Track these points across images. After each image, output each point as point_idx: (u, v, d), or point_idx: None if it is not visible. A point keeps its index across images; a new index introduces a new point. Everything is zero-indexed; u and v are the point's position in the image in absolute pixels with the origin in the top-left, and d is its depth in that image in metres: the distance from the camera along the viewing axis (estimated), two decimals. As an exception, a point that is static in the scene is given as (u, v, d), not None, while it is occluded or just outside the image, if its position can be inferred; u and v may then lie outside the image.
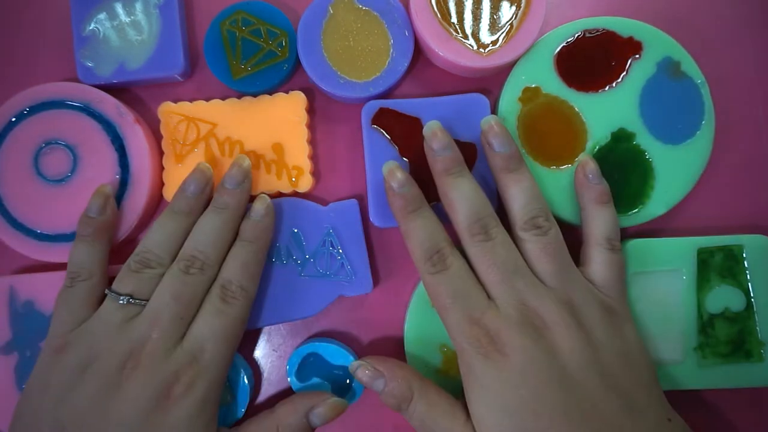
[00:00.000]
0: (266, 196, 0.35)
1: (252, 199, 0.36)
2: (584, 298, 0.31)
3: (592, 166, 0.34)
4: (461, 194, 0.32)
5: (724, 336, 0.36)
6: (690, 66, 0.36)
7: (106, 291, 0.32)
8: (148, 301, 0.32)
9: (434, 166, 0.33)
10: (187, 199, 0.34)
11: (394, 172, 0.33)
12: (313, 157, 0.38)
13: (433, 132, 0.33)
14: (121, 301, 0.32)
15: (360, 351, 0.38)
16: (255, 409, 0.36)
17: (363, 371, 0.33)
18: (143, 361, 0.30)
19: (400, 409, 0.32)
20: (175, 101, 0.37)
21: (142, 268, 0.32)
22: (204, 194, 0.35)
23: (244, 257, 0.33)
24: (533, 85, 0.36)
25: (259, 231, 0.34)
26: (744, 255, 0.36)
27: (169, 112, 0.37)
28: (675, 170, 0.36)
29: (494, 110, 0.37)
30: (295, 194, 0.37)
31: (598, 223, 0.34)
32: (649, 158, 0.36)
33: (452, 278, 0.31)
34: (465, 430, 0.30)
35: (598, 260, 0.33)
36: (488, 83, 0.38)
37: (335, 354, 0.36)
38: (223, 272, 0.33)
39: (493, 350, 0.30)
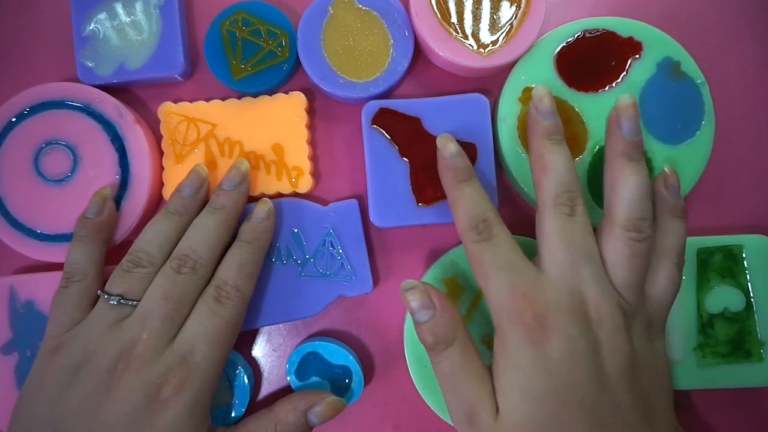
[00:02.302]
0: (268, 199, 0.35)
1: (249, 200, 0.36)
2: (637, 309, 0.31)
3: (673, 181, 0.33)
4: (557, 160, 0.31)
5: (723, 336, 0.36)
6: (690, 66, 0.36)
7: (99, 292, 0.32)
8: (139, 301, 0.32)
9: (535, 127, 0.33)
10: (183, 200, 0.34)
11: (447, 144, 0.33)
12: (313, 158, 0.38)
13: (540, 96, 0.33)
14: (113, 302, 0.32)
15: (360, 351, 0.38)
16: (255, 408, 0.36)
17: (414, 295, 0.31)
18: (133, 363, 0.30)
19: (434, 350, 0.30)
20: (175, 101, 0.37)
21: (134, 267, 0.32)
22: (199, 195, 0.35)
23: (242, 258, 0.33)
24: (533, 85, 0.36)
25: (258, 233, 0.34)
26: (744, 255, 0.36)
27: (169, 112, 0.37)
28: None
29: (494, 110, 0.37)
30: (295, 195, 0.37)
31: (671, 236, 0.32)
32: (649, 158, 0.36)
33: (498, 248, 0.30)
34: (490, 400, 0.29)
35: (663, 275, 0.32)
36: (488, 83, 0.38)
37: (335, 353, 0.36)
38: (219, 272, 0.33)
39: (535, 330, 0.28)
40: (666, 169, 0.33)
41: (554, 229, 0.30)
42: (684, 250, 0.33)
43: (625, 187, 0.31)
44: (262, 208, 0.34)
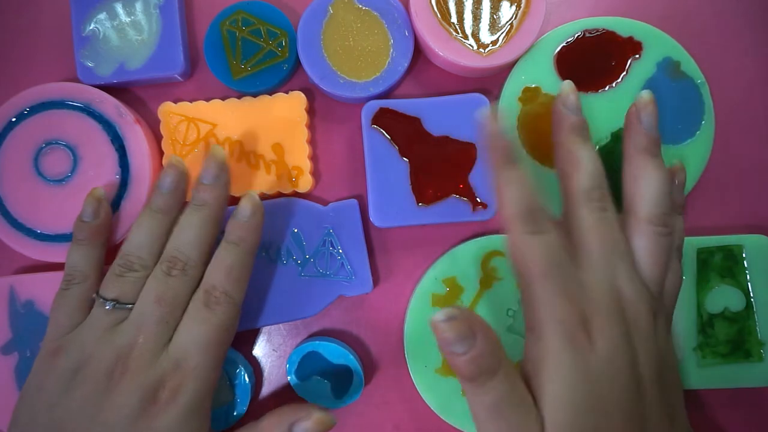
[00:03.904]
0: (254, 192, 0.34)
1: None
2: (660, 306, 0.30)
3: (681, 179, 0.33)
4: (588, 156, 0.31)
5: (723, 336, 0.36)
6: (690, 66, 0.36)
7: (94, 296, 0.32)
8: (134, 304, 0.32)
9: (563, 123, 0.32)
10: (163, 196, 0.33)
11: (490, 122, 0.30)
12: (313, 157, 0.38)
13: (567, 93, 0.32)
14: (108, 307, 0.32)
15: (360, 350, 0.38)
16: (255, 408, 0.37)
17: (451, 326, 0.26)
18: (131, 367, 0.30)
19: (476, 381, 0.27)
20: (175, 101, 0.37)
21: (126, 271, 0.32)
22: (180, 189, 0.34)
23: (229, 261, 0.32)
24: (533, 85, 0.36)
25: (244, 232, 0.33)
26: (744, 255, 0.36)
27: (169, 112, 0.37)
28: (675, 170, 0.36)
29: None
30: (295, 194, 0.37)
31: (645, 185, 0.31)
32: (649, 158, 0.36)
33: (552, 244, 0.28)
34: (537, 418, 0.27)
35: (671, 269, 0.31)
36: (488, 83, 0.38)
37: (335, 353, 0.36)
38: (207, 276, 0.32)
39: (581, 335, 0.27)
40: (677, 164, 0.34)
41: (591, 226, 0.29)
42: (683, 245, 0.33)
43: (649, 183, 0.31)
44: (247, 204, 0.33)
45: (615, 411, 0.27)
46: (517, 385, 0.27)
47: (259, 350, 0.38)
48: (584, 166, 0.30)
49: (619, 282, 0.29)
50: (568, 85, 0.33)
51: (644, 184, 0.31)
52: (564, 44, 0.36)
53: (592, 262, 0.29)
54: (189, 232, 0.32)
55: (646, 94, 0.32)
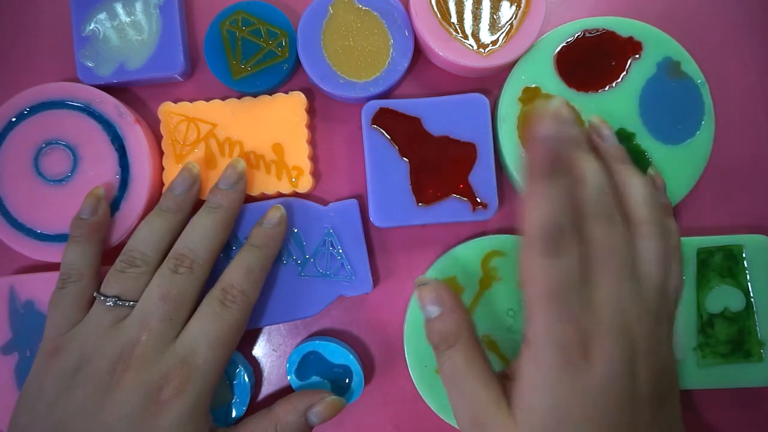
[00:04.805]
0: (281, 206, 0.35)
1: (249, 199, 0.36)
2: (667, 315, 0.30)
3: (660, 182, 0.33)
4: (593, 168, 0.29)
5: (723, 336, 0.36)
6: (690, 66, 0.36)
7: (95, 293, 0.32)
8: (136, 301, 0.32)
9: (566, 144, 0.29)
10: (175, 198, 0.34)
11: (552, 117, 0.28)
12: (313, 158, 0.38)
13: (594, 124, 0.34)
14: (109, 303, 0.32)
15: (360, 351, 0.38)
16: (255, 409, 0.36)
17: (424, 291, 0.31)
18: (133, 363, 0.30)
19: (437, 349, 0.30)
20: (175, 101, 0.37)
21: (128, 267, 0.32)
22: (192, 193, 0.35)
23: (250, 262, 0.33)
24: (533, 85, 0.36)
25: (268, 238, 0.34)
26: (744, 255, 0.36)
27: (169, 112, 0.37)
28: (675, 170, 0.36)
29: (494, 110, 0.37)
30: (295, 194, 0.37)
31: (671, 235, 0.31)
32: (649, 158, 0.36)
33: (568, 269, 0.27)
34: (497, 408, 0.28)
35: (673, 272, 0.31)
36: (488, 83, 0.38)
37: (335, 352, 0.36)
38: (225, 275, 0.33)
39: (578, 356, 0.26)
40: (652, 172, 0.35)
41: (605, 242, 0.28)
42: (680, 248, 0.33)
43: (637, 188, 0.31)
44: (274, 214, 0.34)
45: (605, 424, 0.26)
46: (475, 363, 0.29)
47: (259, 350, 0.38)
48: (589, 182, 0.29)
49: (628, 302, 0.28)
50: (558, 101, 0.29)
51: (632, 191, 0.31)
52: (564, 44, 0.36)
53: (602, 279, 0.28)
54: (200, 232, 0.33)
55: (594, 118, 0.34)
